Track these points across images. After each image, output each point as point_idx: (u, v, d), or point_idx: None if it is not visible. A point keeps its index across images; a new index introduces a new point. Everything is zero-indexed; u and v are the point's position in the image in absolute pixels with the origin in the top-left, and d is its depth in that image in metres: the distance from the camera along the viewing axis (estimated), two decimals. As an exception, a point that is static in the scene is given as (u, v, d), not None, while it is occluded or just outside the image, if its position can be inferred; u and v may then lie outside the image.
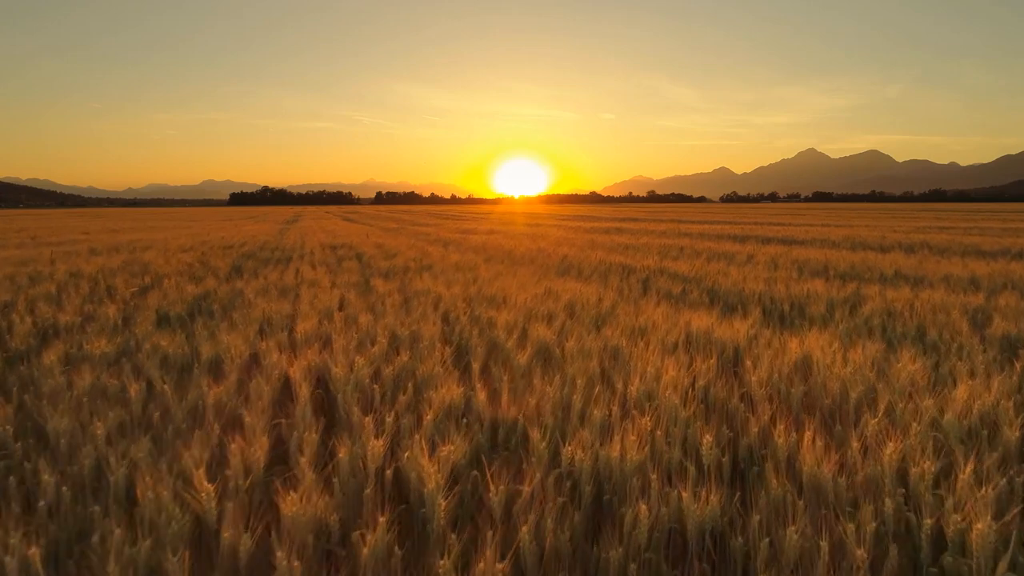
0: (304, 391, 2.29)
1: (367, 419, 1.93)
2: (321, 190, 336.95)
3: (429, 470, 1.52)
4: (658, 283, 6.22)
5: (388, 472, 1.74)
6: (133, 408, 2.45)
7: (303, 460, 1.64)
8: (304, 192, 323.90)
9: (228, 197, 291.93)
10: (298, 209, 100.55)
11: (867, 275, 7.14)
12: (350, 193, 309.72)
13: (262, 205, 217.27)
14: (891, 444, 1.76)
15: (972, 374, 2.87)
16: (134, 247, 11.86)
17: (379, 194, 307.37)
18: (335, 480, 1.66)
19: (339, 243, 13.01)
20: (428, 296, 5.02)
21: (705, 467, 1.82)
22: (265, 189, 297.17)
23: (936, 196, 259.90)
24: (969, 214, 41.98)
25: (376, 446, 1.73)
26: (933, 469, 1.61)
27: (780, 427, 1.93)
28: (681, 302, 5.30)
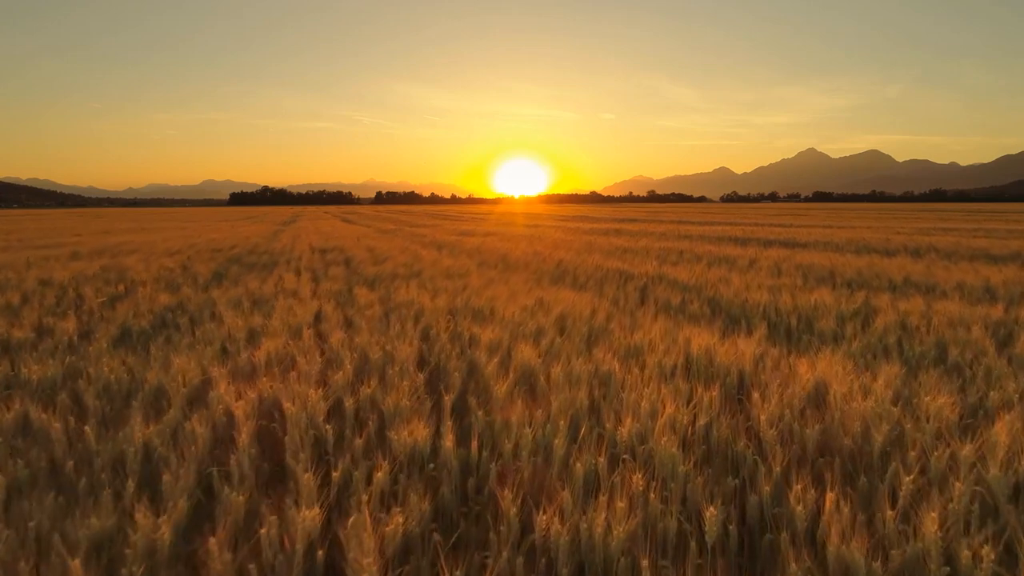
0: (244, 436, 1.98)
1: (307, 476, 1.62)
2: (321, 190, 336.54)
3: (364, 561, 1.21)
4: (656, 292, 5.91)
5: (320, 553, 1.43)
6: (56, 451, 2.15)
7: (214, 541, 1.34)
8: (304, 192, 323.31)
9: (228, 197, 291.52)
10: (297, 209, 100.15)
11: (875, 282, 6.83)
12: (350, 193, 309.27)
13: (262, 205, 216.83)
14: (931, 512, 1.46)
15: (1006, 405, 2.56)
16: (120, 250, 11.56)
17: (379, 194, 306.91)
18: (252, 567, 1.36)
19: (330, 246, 12.70)
20: (411, 308, 4.72)
21: (708, 543, 1.51)
22: (265, 189, 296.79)
23: (936, 196, 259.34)
24: (971, 214, 41.59)
25: (309, 518, 1.42)
26: (992, 556, 1.30)
27: (797, 486, 1.62)
28: (681, 314, 5.00)
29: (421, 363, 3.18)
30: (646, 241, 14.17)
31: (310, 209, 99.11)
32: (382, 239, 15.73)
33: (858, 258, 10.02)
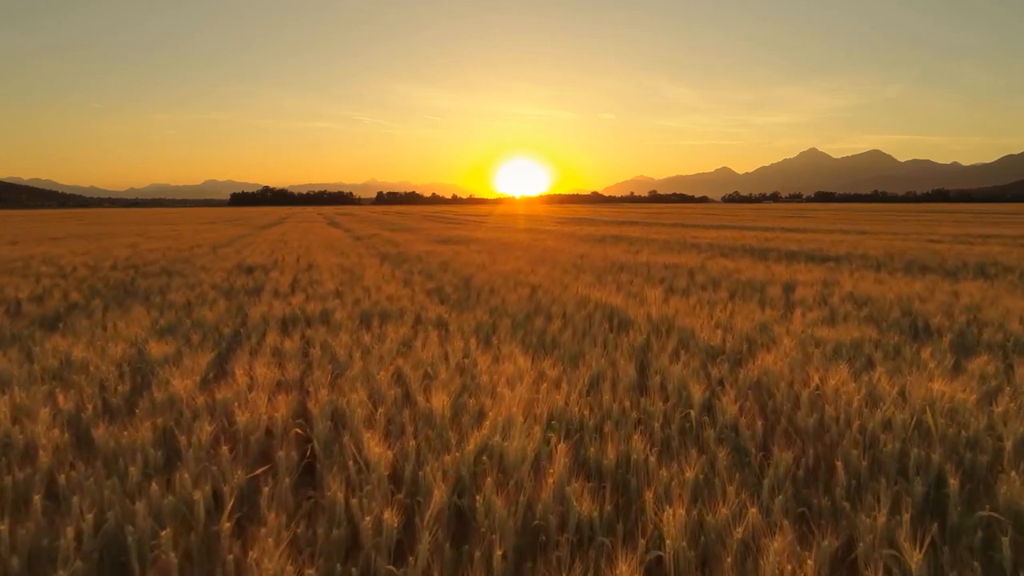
0: None
1: None
2: (323, 190, 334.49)
3: None
4: (662, 361, 3.77)
5: None
6: None
7: None
8: (305, 193, 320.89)
9: (229, 197, 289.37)
10: (294, 210, 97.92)
11: (984, 334, 4.67)
12: (351, 193, 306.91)
13: (262, 205, 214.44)
14: None
15: None
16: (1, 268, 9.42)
17: (380, 194, 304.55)
18: None
19: (267, 262, 10.57)
20: (215, 425, 2.58)
21: None
22: (266, 189, 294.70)
23: (939, 196, 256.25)
24: (983, 216, 39.43)
25: None
26: None
27: None
28: (710, 426, 2.85)
29: None
30: (647, 253, 12.02)
31: (308, 210, 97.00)
32: (342, 249, 13.58)
33: (915, 281, 7.89)
